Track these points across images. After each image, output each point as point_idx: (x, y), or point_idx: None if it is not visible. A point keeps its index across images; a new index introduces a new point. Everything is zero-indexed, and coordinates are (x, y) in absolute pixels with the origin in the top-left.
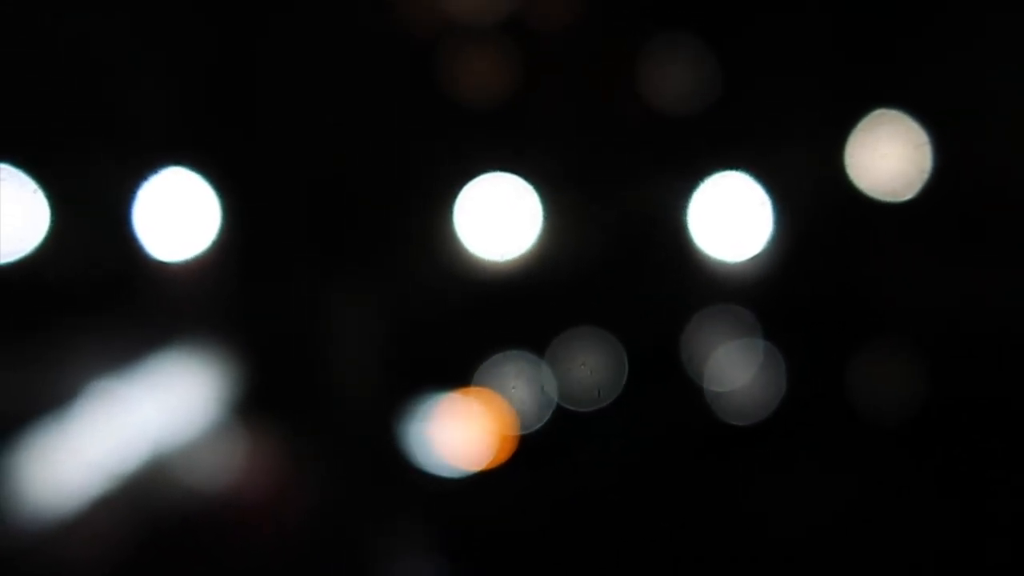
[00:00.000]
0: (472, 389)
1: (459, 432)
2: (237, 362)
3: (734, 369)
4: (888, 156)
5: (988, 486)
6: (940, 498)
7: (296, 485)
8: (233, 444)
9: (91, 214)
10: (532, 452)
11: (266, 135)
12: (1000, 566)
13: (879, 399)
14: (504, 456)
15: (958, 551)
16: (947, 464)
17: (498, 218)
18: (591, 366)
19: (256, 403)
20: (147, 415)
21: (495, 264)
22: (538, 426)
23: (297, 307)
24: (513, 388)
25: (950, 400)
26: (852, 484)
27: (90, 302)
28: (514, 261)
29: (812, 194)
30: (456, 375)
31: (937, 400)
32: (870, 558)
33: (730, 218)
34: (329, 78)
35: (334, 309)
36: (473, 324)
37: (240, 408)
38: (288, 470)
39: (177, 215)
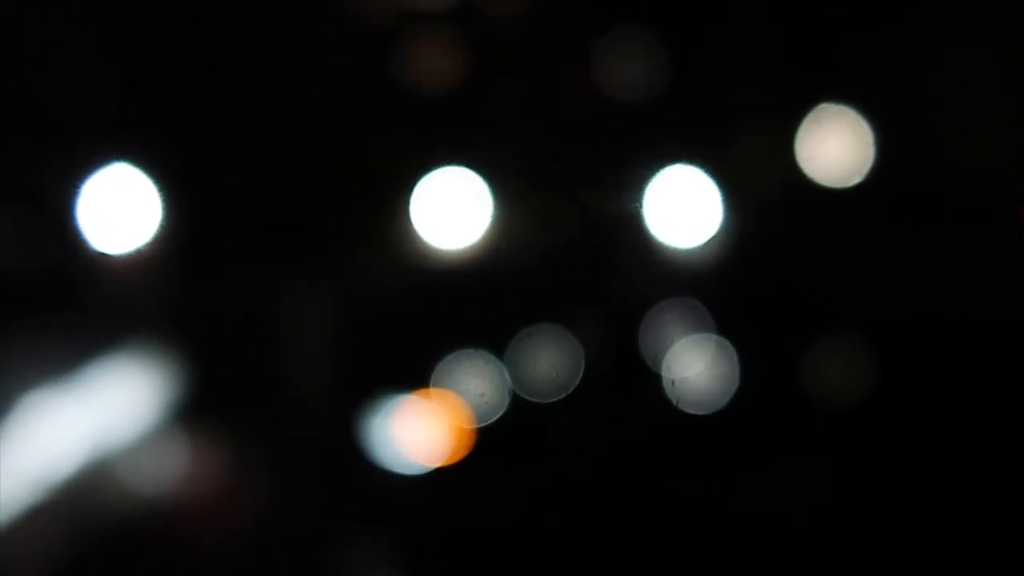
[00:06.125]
0: (429, 389)
1: (416, 429)
2: (182, 362)
3: (690, 360)
4: (835, 146)
5: (944, 469)
6: (895, 481)
7: (245, 489)
8: (177, 448)
9: (29, 209)
10: (492, 446)
11: (213, 128)
12: (955, 542)
13: (831, 386)
14: (463, 451)
15: (913, 530)
16: (901, 447)
17: (451, 212)
18: (549, 361)
19: (203, 404)
20: (86, 419)
21: (448, 258)
22: (497, 419)
23: (247, 304)
24: (471, 385)
25: (902, 385)
26: (808, 470)
27: (27, 301)
28: (467, 255)
29: (763, 184)
30: (412, 375)
31: (889, 385)
32: (831, 540)
33: (683, 210)
34: (279, 70)
35: (285, 306)
36: (428, 322)
37: (185, 410)
38: (236, 474)
39: (119, 210)
